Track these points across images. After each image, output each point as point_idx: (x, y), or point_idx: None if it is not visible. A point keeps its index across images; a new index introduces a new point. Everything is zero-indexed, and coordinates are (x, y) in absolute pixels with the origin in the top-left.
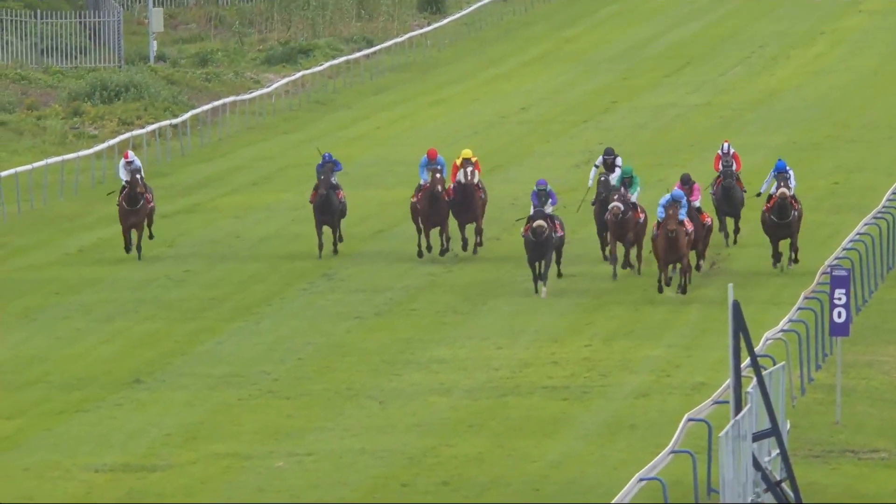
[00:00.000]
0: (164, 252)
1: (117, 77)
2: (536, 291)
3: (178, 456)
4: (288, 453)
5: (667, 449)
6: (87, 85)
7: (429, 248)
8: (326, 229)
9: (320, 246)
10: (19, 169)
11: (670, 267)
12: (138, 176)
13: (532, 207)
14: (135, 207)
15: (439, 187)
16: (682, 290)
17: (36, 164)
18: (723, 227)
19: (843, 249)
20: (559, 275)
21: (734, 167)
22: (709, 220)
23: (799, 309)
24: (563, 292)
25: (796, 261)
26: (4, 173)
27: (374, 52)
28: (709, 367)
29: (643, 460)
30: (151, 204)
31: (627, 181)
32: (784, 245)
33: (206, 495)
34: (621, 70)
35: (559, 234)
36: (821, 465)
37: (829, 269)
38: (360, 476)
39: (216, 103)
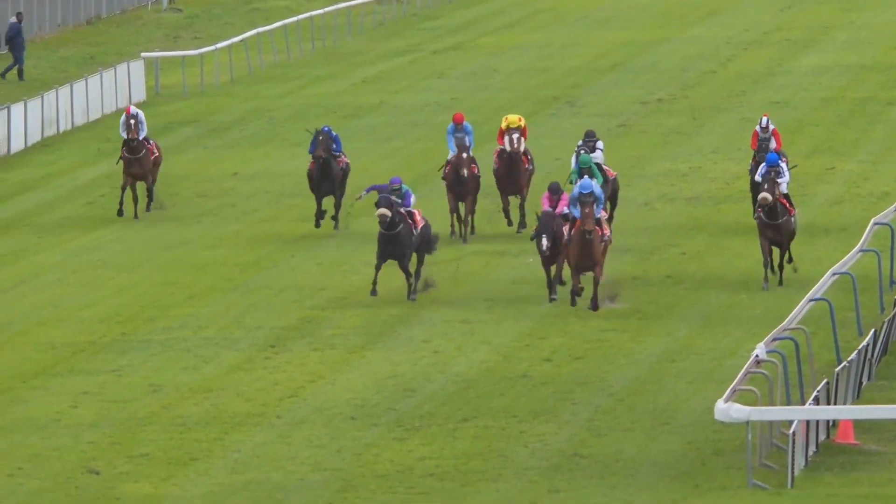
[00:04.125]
0: (435, 83)
1: None
2: (373, 292)
3: (445, 254)
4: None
5: (856, 248)
6: None
7: (455, 230)
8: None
9: (319, 215)
10: (314, 12)
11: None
12: (140, 133)
13: (378, 194)
14: (137, 156)
15: (465, 171)
16: (594, 305)
17: (328, 9)
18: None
19: None
20: (411, 276)
21: (773, 145)
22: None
23: None
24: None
25: (790, 260)
26: (301, 16)
27: None
28: (893, 179)
29: (835, 258)
30: (155, 154)
31: (587, 172)
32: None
33: (470, 285)
34: None
35: (419, 226)
36: None
37: None
38: None
39: None
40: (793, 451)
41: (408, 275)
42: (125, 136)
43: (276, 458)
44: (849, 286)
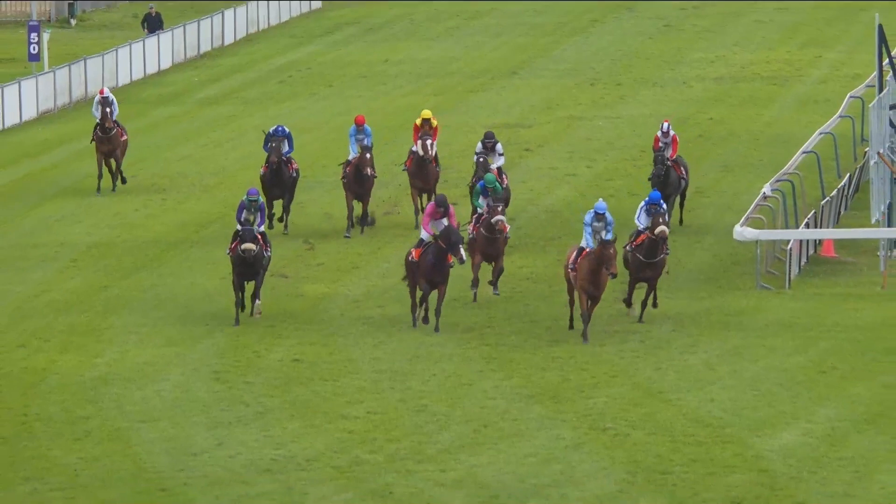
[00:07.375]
0: None
1: None
2: (240, 315)
3: (540, 117)
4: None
5: (836, 114)
6: None
7: (353, 223)
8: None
9: (270, 216)
10: None
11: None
12: (108, 110)
13: (238, 224)
14: (108, 135)
15: (368, 170)
16: (584, 336)
17: None
18: None
19: None
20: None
21: (669, 152)
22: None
23: None
24: (772, 15)
25: (655, 306)
26: None
27: None
28: (863, 65)
29: (821, 122)
30: (124, 137)
31: (490, 191)
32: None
33: (563, 143)
34: None
35: (267, 253)
36: None
37: None
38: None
39: None
40: (790, 262)
41: (257, 289)
42: (98, 117)
43: None
44: (831, 142)
